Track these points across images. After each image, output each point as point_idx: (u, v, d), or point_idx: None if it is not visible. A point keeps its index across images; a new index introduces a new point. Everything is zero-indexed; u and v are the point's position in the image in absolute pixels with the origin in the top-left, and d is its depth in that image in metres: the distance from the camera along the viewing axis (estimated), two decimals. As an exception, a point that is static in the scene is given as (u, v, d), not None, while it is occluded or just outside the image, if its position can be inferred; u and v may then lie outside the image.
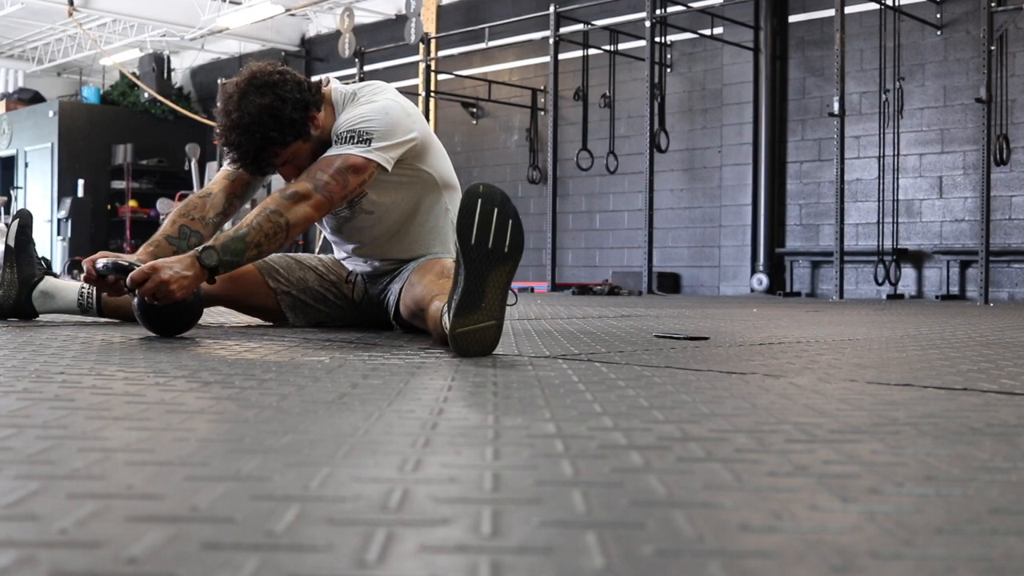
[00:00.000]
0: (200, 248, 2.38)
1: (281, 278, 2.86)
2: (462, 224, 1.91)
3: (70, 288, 2.90)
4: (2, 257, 2.73)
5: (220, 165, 13.46)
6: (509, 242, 1.94)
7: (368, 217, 2.72)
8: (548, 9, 9.57)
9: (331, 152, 2.52)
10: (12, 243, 2.84)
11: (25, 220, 2.89)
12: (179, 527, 0.65)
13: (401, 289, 2.67)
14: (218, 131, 2.56)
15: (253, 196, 2.89)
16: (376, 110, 2.55)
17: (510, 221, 1.93)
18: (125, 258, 2.45)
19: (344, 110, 2.62)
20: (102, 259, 2.43)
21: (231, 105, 2.48)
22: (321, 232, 2.96)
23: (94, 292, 2.83)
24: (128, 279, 2.33)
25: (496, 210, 1.93)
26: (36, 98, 16.36)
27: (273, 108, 2.46)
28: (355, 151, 2.49)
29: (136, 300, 2.42)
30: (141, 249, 2.61)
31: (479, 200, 1.92)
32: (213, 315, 3.30)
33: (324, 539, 0.63)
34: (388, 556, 0.60)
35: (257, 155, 2.53)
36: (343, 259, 2.95)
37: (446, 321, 2.02)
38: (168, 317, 2.45)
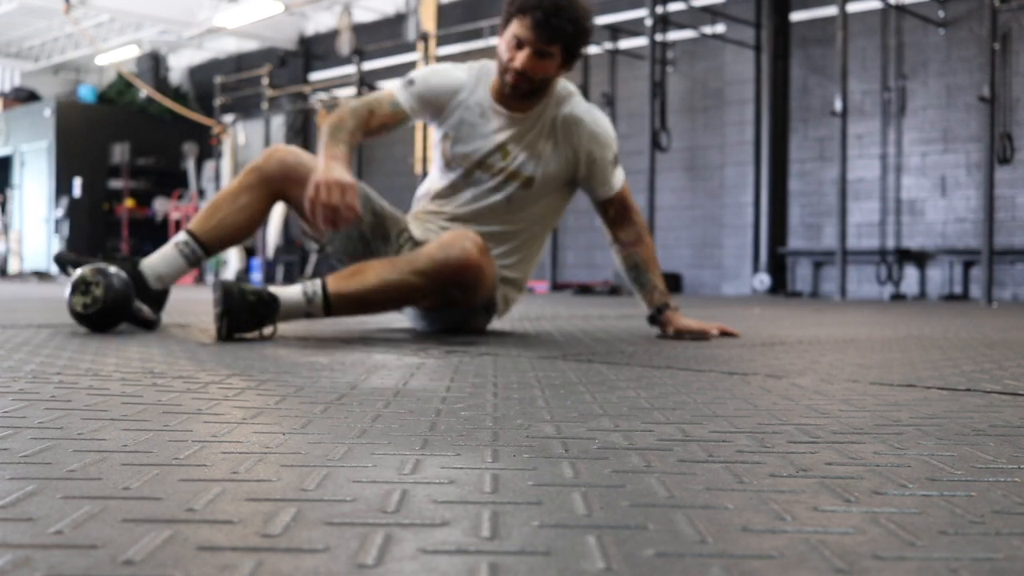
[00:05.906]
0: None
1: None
2: None
3: (165, 252, 2.74)
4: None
5: (217, 165, 13.25)
6: None
7: (520, 200, 2.77)
8: (549, 8, 9.55)
9: (618, 183, 2.79)
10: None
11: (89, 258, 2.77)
12: (176, 529, 0.65)
13: None
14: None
15: (382, 136, 2.82)
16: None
17: None
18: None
19: (569, 103, 2.77)
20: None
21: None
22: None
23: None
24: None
25: None
26: (32, 96, 16.34)
27: (588, 23, 2.66)
28: (624, 181, 2.84)
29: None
30: (330, 155, 2.53)
31: None
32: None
33: (322, 541, 0.63)
34: (386, 558, 0.59)
35: (571, 46, 2.63)
36: (430, 211, 2.87)
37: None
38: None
